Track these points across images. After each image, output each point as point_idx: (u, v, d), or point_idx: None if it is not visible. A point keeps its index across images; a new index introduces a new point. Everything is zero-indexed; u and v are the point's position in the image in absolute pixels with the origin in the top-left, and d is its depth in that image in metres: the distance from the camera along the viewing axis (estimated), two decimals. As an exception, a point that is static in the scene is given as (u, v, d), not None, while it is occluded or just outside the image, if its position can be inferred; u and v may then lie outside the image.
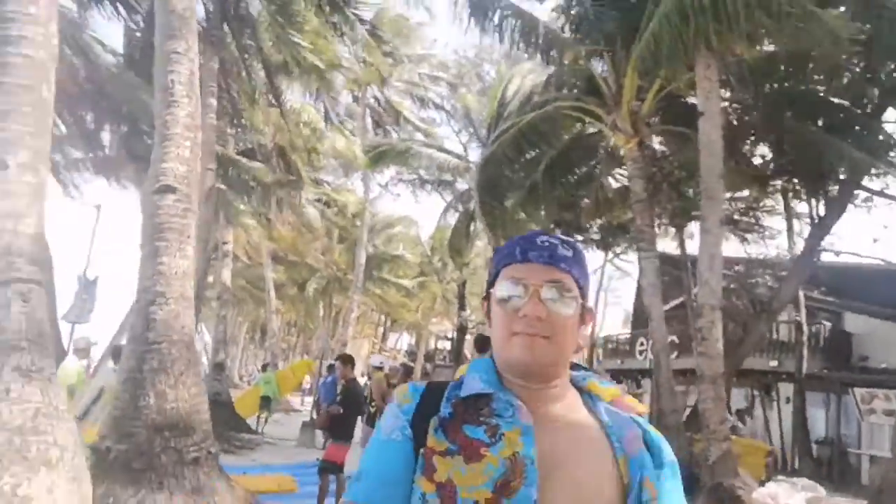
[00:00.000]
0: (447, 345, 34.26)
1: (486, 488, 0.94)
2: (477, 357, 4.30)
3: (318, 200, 21.61)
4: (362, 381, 14.48)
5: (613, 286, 33.53)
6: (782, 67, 10.78)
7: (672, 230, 15.03)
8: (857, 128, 11.00)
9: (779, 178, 12.88)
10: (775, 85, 11.24)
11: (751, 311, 14.07)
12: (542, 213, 14.43)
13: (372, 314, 40.59)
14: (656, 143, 12.97)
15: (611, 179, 14.77)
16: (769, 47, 10.28)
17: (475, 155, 20.28)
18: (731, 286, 14.07)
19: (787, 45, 9.55)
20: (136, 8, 12.01)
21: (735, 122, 11.70)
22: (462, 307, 24.38)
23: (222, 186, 15.24)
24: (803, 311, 14.87)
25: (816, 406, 15.64)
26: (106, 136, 13.57)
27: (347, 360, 7.76)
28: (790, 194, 13.54)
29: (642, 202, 10.76)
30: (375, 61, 17.68)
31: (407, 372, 11.35)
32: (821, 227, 12.45)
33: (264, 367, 21.25)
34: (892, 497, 7.83)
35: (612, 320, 38.84)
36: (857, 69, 10.73)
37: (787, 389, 15.94)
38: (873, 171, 11.22)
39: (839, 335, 16.49)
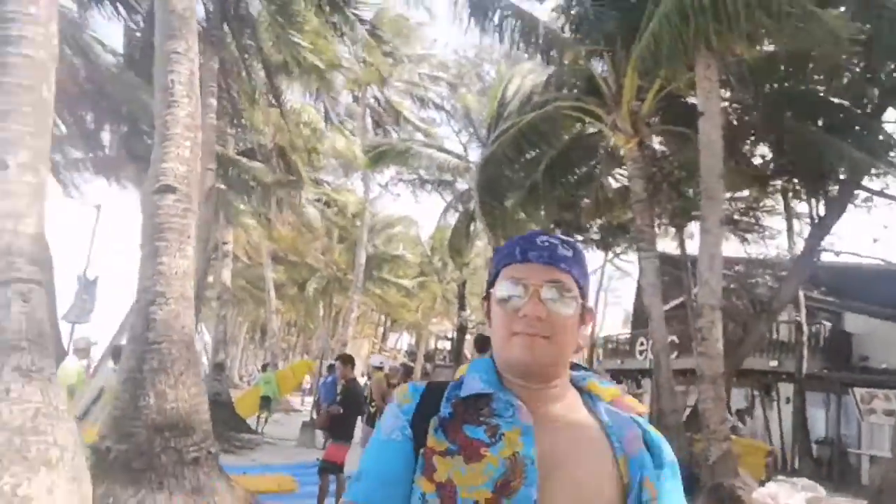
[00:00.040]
0: (447, 345, 34.28)
1: (486, 488, 0.94)
2: (477, 357, 4.30)
3: (318, 200, 21.61)
4: (362, 381, 14.48)
5: (613, 286, 33.55)
6: (782, 67, 10.78)
7: (672, 230, 15.03)
8: (857, 128, 10.99)
9: (779, 178, 12.88)
10: (775, 85, 11.24)
11: (751, 311, 14.07)
12: (542, 213, 14.42)
13: (372, 314, 40.60)
14: (656, 143, 12.96)
15: (611, 179, 14.77)
16: (769, 47, 10.28)
17: (475, 155, 20.31)
18: (732, 286, 14.07)
19: (787, 45, 9.56)
20: (135, 8, 12.01)
21: (735, 122, 11.70)
22: (462, 307, 24.39)
23: (222, 186, 15.25)
24: (803, 311, 14.87)
25: (816, 406, 15.64)
26: (106, 136, 13.60)
27: (347, 360, 7.77)
28: (790, 194, 13.55)
29: (642, 202, 10.76)
30: (375, 61, 17.70)
31: (407, 372, 11.35)
32: (821, 227, 12.45)
33: (264, 368, 21.27)
34: (892, 497, 7.83)
35: (613, 320, 38.83)
36: (857, 69, 10.72)
37: (787, 389, 15.94)
38: (873, 171, 11.22)
39: (839, 335, 16.49)
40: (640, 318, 19.32)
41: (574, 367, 1.15)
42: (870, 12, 9.01)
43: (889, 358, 14.63)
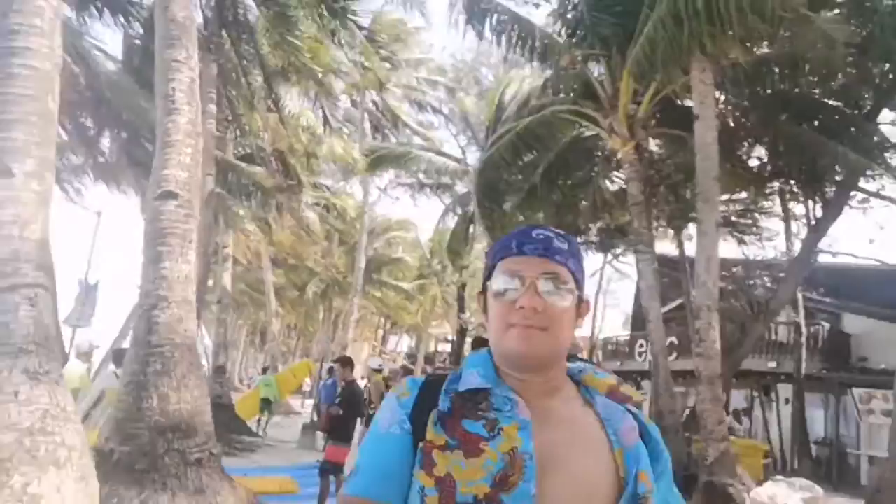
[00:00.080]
0: (447, 347, 34.28)
1: (484, 483, 0.95)
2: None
3: (318, 204, 21.64)
4: (362, 383, 14.52)
5: (613, 288, 33.38)
6: (777, 70, 10.84)
7: (671, 232, 15.08)
8: (852, 129, 11.03)
9: (775, 180, 12.92)
10: (770, 88, 11.31)
11: (749, 312, 14.11)
12: (541, 215, 14.46)
13: (372, 317, 40.56)
14: (653, 145, 12.99)
15: (608, 182, 14.81)
16: (764, 50, 10.35)
17: (473, 158, 20.38)
18: (730, 287, 14.10)
19: (781, 48, 9.63)
20: (135, 16, 12.09)
21: (731, 125, 11.76)
22: (462, 310, 24.42)
23: (222, 191, 15.30)
24: (802, 312, 14.93)
25: (815, 407, 15.69)
26: (106, 143, 13.67)
27: (346, 363, 7.86)
28: (787, 196, 13.60)
29: (639, 204, 10.80)
30: (373, 66, 17.73)
31: (406, 374, 11.40)
32: (817, 229, 12.50)
33: (264, 371, 21.29)
34: (891, 497, 7.90)
35: (612, 322, 38.76)
36: (852, 71, 10.79)
37: (786, 390, 15.99)
38: (869, 172, 11.26)
39: (838, 336, 16.52)
40: (639, 320, 19.32)
41: (570, 358, 1.16)
42: (863, 15, 9.09)
43: (888, 358, 14.63)
